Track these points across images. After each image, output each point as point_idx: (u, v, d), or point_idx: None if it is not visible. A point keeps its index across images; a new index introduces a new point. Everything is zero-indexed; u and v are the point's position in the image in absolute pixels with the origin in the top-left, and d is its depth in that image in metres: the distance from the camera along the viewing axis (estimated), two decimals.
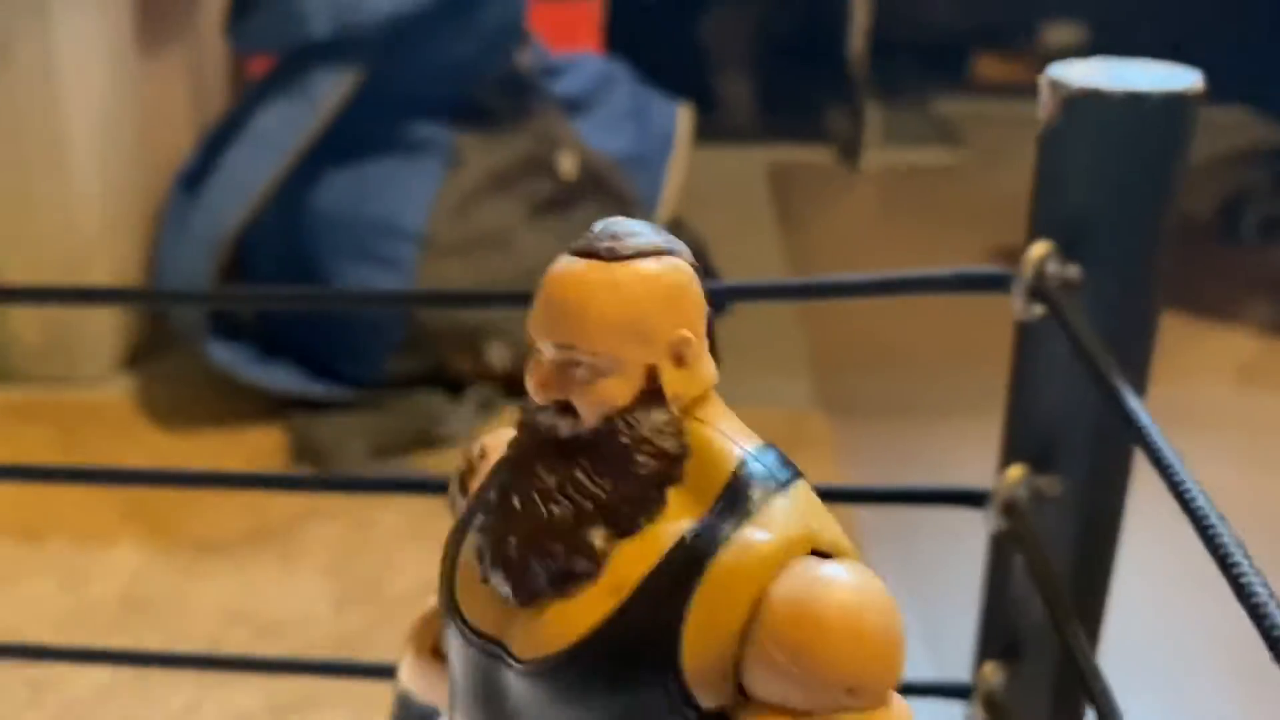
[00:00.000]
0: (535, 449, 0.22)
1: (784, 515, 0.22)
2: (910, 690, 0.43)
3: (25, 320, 1.09)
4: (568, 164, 1.08)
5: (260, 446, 0.99)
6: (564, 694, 0.21)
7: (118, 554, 0.84)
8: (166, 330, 1.17)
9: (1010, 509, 0.37)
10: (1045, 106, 0.35)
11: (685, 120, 1.25)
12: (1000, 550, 0.39)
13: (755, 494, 0.22)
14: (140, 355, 1.14)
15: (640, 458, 0.22)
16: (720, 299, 1.09)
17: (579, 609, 0.21)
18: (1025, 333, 0.37)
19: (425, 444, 0.99)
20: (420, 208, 1.01)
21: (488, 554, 0.22)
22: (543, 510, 0.21)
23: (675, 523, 0.21)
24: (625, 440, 0.22)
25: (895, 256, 1.43)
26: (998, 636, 0.39)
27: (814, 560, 0.21)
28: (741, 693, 0.21)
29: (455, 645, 0.23)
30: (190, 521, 0.88)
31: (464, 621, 0.23)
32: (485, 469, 0.25)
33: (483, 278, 1.03)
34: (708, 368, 0.23)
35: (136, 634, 0.76)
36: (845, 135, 1.77)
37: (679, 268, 0.22)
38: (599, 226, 0.23)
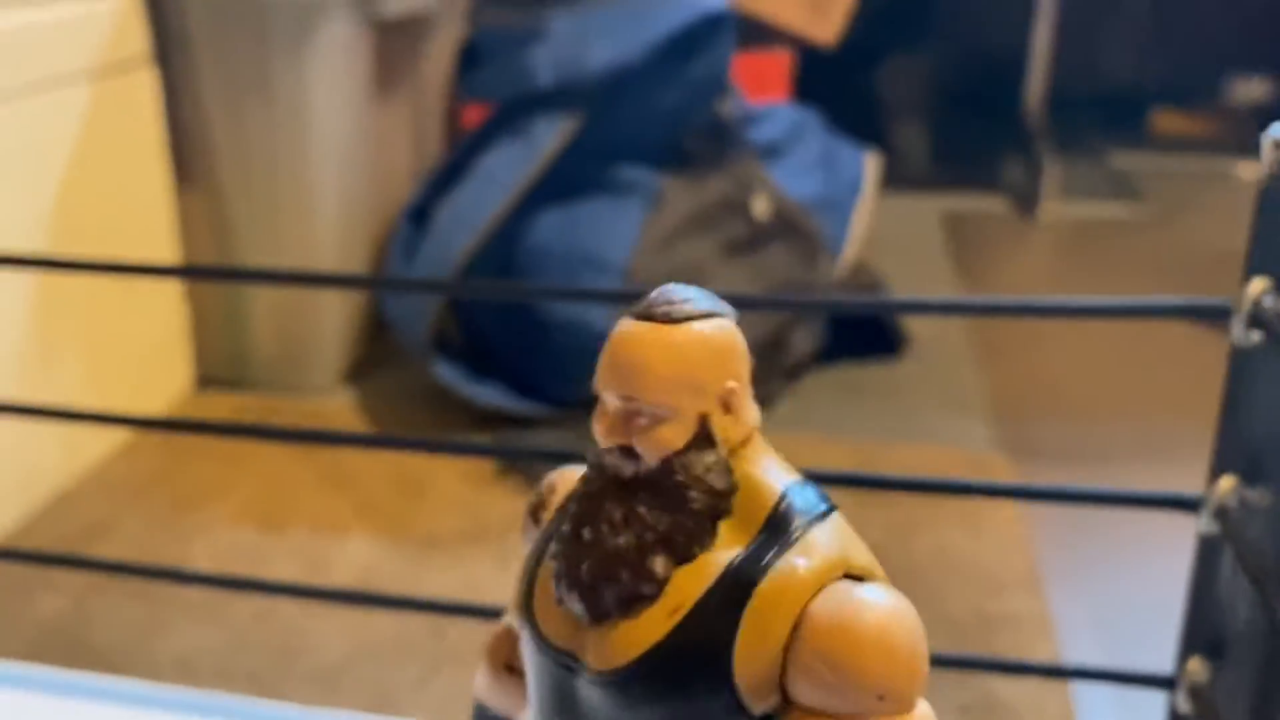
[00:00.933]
0: (603, 487, 0.26)
1: (821, 543, 0.24)
2: (1116, 678, 0.47)
3: (264, 335, 1.21)
4: (761, 206, 1.15)
5: (475, 460, 1.08)
6: (631, 701, 0.24)
7: (352, 545, 0.94)
8: (385, 348, 1.28)
9: (1221, 514, 0.41)
10: (1267, 161, 0.40)
11: (872, 167, 1.30)
12: (1208, 553, 0.43)
13: (796, 524, 0.25)
14: (362, 370, 1.26)
15: (694, 494, 0.25)
16: (896, 340, 1.12)
17: (643, 627, 0.24)
18: (1240, 358, 0.41)
19: None
20: (625, 244, 1.09)
21: (563, 579, 0.25)
22: (610, 541, 0.25)
23: (726, 551, 0.24)
24: (681, 479, 0.25)
25: None
26: (1203, 633, 0.43)
27: (848, 583, 0.24)
28: (786, 698, 0.24)
29: (533, 657, 0.26)
30: (415, 520, 0.97)
31: (541, 637, 0.26)
32: (555, 503, 0.28)
33: None
34: (752, 413, 0.27)
35: (370, 616, 0.85)
36: (1022, 186, 1.78)
37: (725, 328, 0.26)
38: (656, 293, 0.27)
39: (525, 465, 1.02)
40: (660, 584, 0.24)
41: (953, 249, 1.64)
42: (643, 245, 1.10)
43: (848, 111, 1.49)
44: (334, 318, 1.22)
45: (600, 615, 0.24)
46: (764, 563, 0.24)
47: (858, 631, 0.23)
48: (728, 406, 0.26)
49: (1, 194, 0.92)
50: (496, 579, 0.89)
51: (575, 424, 1.08)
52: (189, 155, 1.14)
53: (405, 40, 1.30)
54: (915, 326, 1.29)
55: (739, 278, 1.15)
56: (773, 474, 0.26)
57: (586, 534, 0.25)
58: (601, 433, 0.26)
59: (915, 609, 0.24)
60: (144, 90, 1.08)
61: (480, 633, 0.36)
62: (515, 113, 1.11)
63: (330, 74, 1.13)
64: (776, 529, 0.24)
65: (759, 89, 1.35)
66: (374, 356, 1.28)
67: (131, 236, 1.09)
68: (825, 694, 0.23)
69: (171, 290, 1.17)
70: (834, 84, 1.57)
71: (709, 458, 0.25)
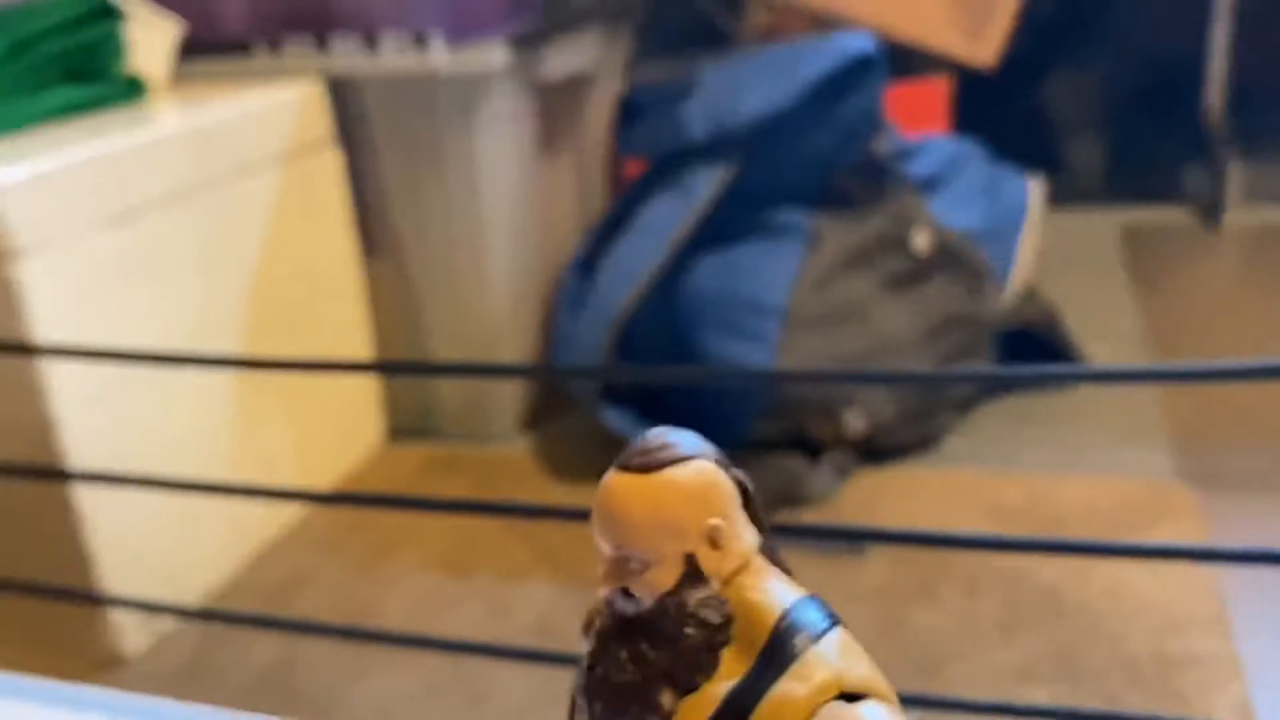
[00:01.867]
0: (611, 626, 0.28)
1: (817, 663, 0.26)
2: None
3: (448, 390, 1.29)
4: (921, 240, 1.14)
5: None
6: None
7: (532, 588, 0.99)
8: (558, 398, 1.34)
9: None
10: None
11: (1037, 193, 1.27)
12: None
13: (795, 645, 0.26)
14: (539, 418, 1.31)
15: (689, 630, 0.26)
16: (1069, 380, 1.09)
17: None
18: None
19: (787, 503, 1.07)
20: (783, 286, 1.11)
21: (584, 711, 0.28)
22: (618, 678, 0.27)
23: (727, 681, 0.26)
24: (674, 617, 0.26)
25: (1261, 321, 1.37)
26: None
27: (839, 704, 0.25)
28: None
29: None
30: (590, 566, 1.01)
31: None
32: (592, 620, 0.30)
33: (840, 349, 1.11)
34: (742, 542, 0.27)
35: (550, 664, 0.89)
36: (1204, 194, 1.70)
37: (703, 470, 0.27)
38: (636, 444, 0.28)
39: None
40: (666, 716, 0.26)
41: (1132, 264, 1.58)
42: (801, 285, 1.12)
43: (1013, 132, 1.46)
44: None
45: None
46: (759, 690, 0.25)
47: None
48: (714, 542, 0.27)
49: (210, 270, 1.02)
50: None
51: (741, 467, 1.10)
52: (373, 226, 1.23)
53: (566, 100, 1.36)
54: (1091, 348, 1.25)
55: (900, 313, 1.14)
56: (773, 595, 0.27)
57: (599, 671, 0.27)
58: (601, 578, 0.28)
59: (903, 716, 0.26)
60: (330, 169, 1.17)
61: None
62: (671, 165, 1.15)
63: (497, 141, 1.19)
64: (775, 652, 0.26)
65: (916, 119, 1.35)
66: (548, 406, 1.34)
67: (326, 303, 1.18)
68: None
69: (365, 352, 1.25)
70: (997, 105, 1.54)
71: (700, 593, 0.27)
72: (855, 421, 1.10)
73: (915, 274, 1.15)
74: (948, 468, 1.13)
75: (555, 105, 1.33)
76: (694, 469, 0.27)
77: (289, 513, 1.13)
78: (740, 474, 0.28)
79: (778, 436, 1.12)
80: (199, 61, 1.19)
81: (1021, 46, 1.57)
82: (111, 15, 1.06)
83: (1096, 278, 1.53)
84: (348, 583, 1.02)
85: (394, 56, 1.12)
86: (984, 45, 1.49)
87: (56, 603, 0.90)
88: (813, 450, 1.11)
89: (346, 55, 1.14)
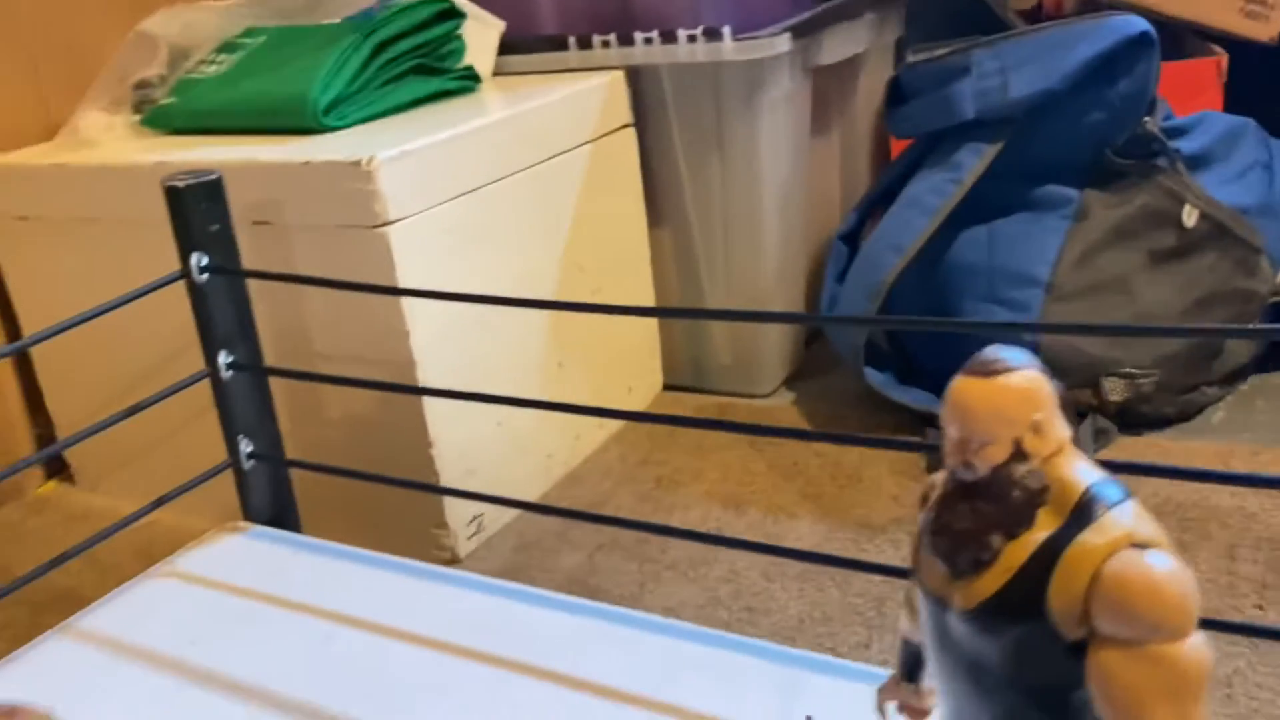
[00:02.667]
0: (955, 488, 0.37)
1: (1113, 522, 0.33)
2: None
3: (719, 348, 1.42)
4: (1190, 216, 1.17)
5: (900, 455, 1.20)
6: (985, 629, 0.35)
7: (800, 525, 1.10)
8: (821, 357, 1.44)
9: None
10: None
11: None
12: None
13: (1095, 510, 0.34)
14: (801, 377, 1.42)
15: (1015, 492, 0.35)
16: None
17: (985, 582, 0.35)
18: None
19: None
20: (1047, 259, 1.16)
21: (934, 550, 0.37)
22: (960, 525, 0.36)
23: (1042, 531, 0.34)
24: (1004, 483, 0.35)
25: None
26: None
27: (1133, 550, 0.33)
28: (1092, 630, 0.33)
29: (921, 601, 0.39)
30: (852, 507, 1.11)
31: (925, 586, 0.38)
32: (934, 495, 0.39)
33: (1102, 321, 1.15)
34: (1058, 433, 0.35)
35: (821, 588, 1.00)
36: None
37: (1027, 377, 0.35)
38: (979, 355, 0.36)
39: None
40: (995, 553, 0.35)
41: None
42: (1065, 259, 1.17)
43: None
44: (778, 332, 1.40)
45: (958, 573, 0.36)
46: (1066, 539, 0.34)
47: (1132, 583, 0.32)
48: (1037, 431, 0.35)
49: (529, 237, 1.19)
50: None
51: None
52: (660, 199, 1.37)
53: (839, 81, 1.45)
54: None
55: (1165, 288, 1.17)
56: (1081, 473, 0.35)
57: (944, 519, 0.37)
58: (947, 454, 0.37)
59: (1185, 568, 0.33)
60: (628, 148, 1.32)
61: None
62: (940, 142, 1.22)
63: (775, 123, 1.30)
64: (1081, 514, 0.34)
65: (1190, 97, 1.35)
66: (811, 364, 1.45)
67: (619, 267, 1.33)
68: (1114, 627, 0.32)
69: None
70: (1273, 83, 1.50)
71: (1024, 467, 0.35)
72: (1115, 389, 1.14)
73: (1183, 249, 1.17)
74: (1210, 439, 1.15)
75: (828, 85, 1.42)
76: (1024, 376, 0.35)
77: (589, 446, 1.29)
78: (1060, 385, 0.36)
79: None
80: (517, 57, 1.36)
81: None
82: (455, 16, 1.24)
83: None
84: (638, 508, 1.16)
85: (687, 49, 1.25)
86: (1266, 21, 1.47)
87: (399, 516, 1.09)
88: (1078, 416, 1.16)
89: (645, 49, 1.28)
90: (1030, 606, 0.33)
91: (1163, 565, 0.32)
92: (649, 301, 1.40)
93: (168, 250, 0.83)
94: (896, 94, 1.29)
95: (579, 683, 0.61)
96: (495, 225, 1.14)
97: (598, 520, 0.84)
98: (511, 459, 1.17)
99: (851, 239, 1.34)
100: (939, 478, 0.39)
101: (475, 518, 1.14)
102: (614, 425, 1.35)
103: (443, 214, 1.07)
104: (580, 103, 1.25)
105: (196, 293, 0.77)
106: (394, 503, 1.09)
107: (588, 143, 1.26)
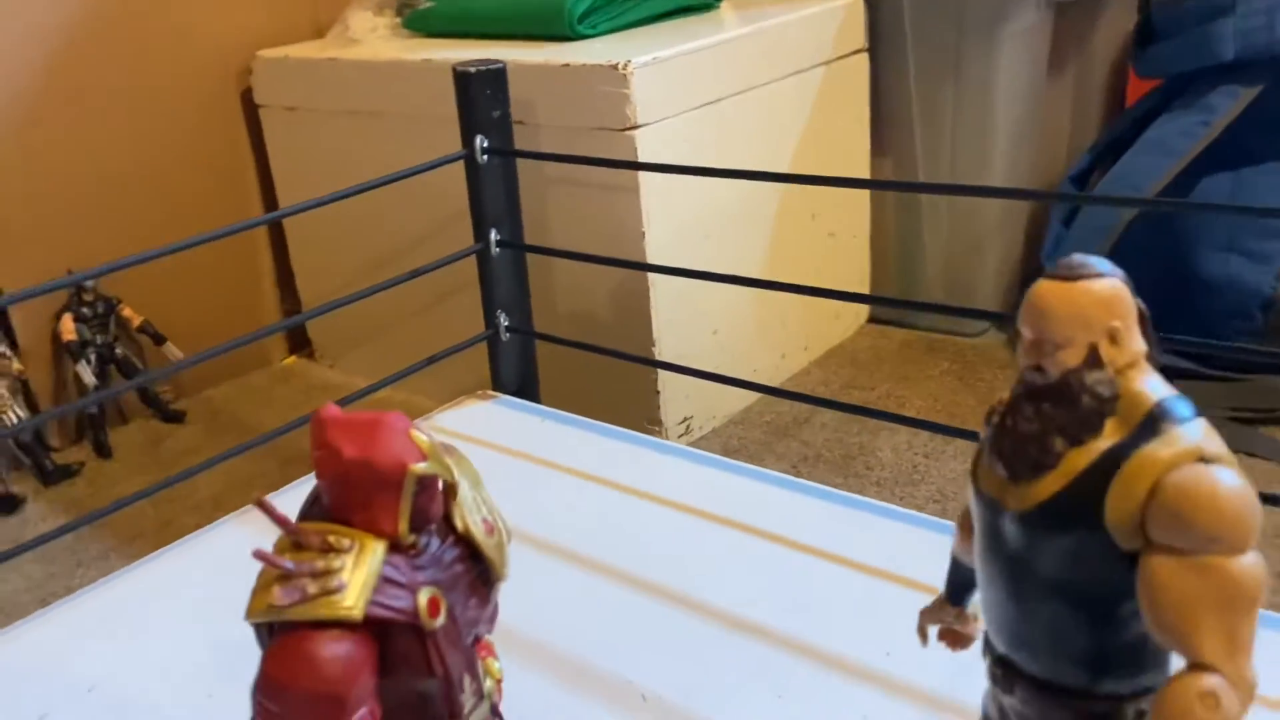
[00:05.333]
0: (1024, 392, 0.35)
1: (1180, 437, 0.32)
2: None
3: (930, 283, 1.42)
4: None
5: None
6: (1037, 533, 0.34)
7: None
8: None
9: None
10: None
11: None
12: None
13: (1164, 424, 0.32)
14: (1012, 318, 1.41)
15: (1084, 398, 0.33)
16: None
17: (1044, 485, 0.33)
18: None
19: (1271, 420, 1.10)
20: None
21: (994, 451, 0.35)
22: (1025, 428, 0.34)
23: (1107, 440, 0.32)
24: (1074, 387, 0.33)
25: None
26: None
27: (1198, 464, 0.31)
28: (1148, 540, 0.32)
29: (975, 504, 0.37)
30: None
31: (980, 489, 0.36)
32: (999, 407, 0.37)
33: None
34: (1135, 345, 0.34)
35: None
36: None
37: (1110, 284, 0.33)
38: (1064, 260, 0.34)
39: None
40: (1058, 458, 0.33)
41: None
42: None
43: None
44: (993, 270, 1.39)
45: (1017, 476, 0.34)
46: (1132, 449, 0.32)
47: (1194, 493, 0.31)
48: (1113, 339, 0.34)
49: (761, 151, 1.22)
50: None
51: (1233, 382, 1.14)
52: (885, 128, 1.37)
53: (1079, 21, 1.41)
54: None
55: None
56: (1153, 388, 0.34)
57: (1009, 422, 0.35)
58: (1021, 355, 0.35)
59: (1251, 488, 0.32)
60: (859, 74, 1.33)
61: None
62: (1190, 84, 1.18)
63: (1014, 56, 1.29)
64: (1149, 427, 0.33)
65: None
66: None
67: (839, 191, 1.35)
68: (1171, 535, 0.31)
69: (860, 244, 1.41)
70: None
71: (1097, 374, 0.33)
72: None
73: None
74: None
75: (1069, 25, 1.39)
76: (1104, 283, 0.34)
77: (794, 366, 1.32)
78: (1141, 303, 0.35)
79: (1271, 359, 1.14)
80: None
81: None
82: None
83: None
84: (842, 427, 1.19)
85: None
86: None
87: (616, 409, 1.15)
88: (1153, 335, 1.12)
89: None
90: (1087, 513, 0.33)
91: (1227, 480, 0.31)
92: (864, 230, 1.41)
93: (423, 142, 0.89)
94: (1147, 33, 1.25)
95: (801, 546, 0.65)
96: (727, 139, 1.17)
97: (834, 407, 0.87)
98: (721, 369, 1.21)
99: (1082, 181, 1.32)
100: (1006, 394, 0.38)
101: (686, 419, 1.19)
102: (819, 349, 1.37)
103: (682, 123, 1.11)
104: (818, 24, 1.26)
105: (476, 172, 0.83)
106: (613, 398, 1.15)
107: (821, 65, 1.27)
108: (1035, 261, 1.36)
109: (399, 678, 0.30)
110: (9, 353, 1.25)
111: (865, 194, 1.40)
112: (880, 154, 1.39)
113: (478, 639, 0.35)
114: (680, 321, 1.14)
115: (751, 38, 1.18)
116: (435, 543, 0.32)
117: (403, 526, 0.31)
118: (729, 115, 1.16)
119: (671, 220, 1.11)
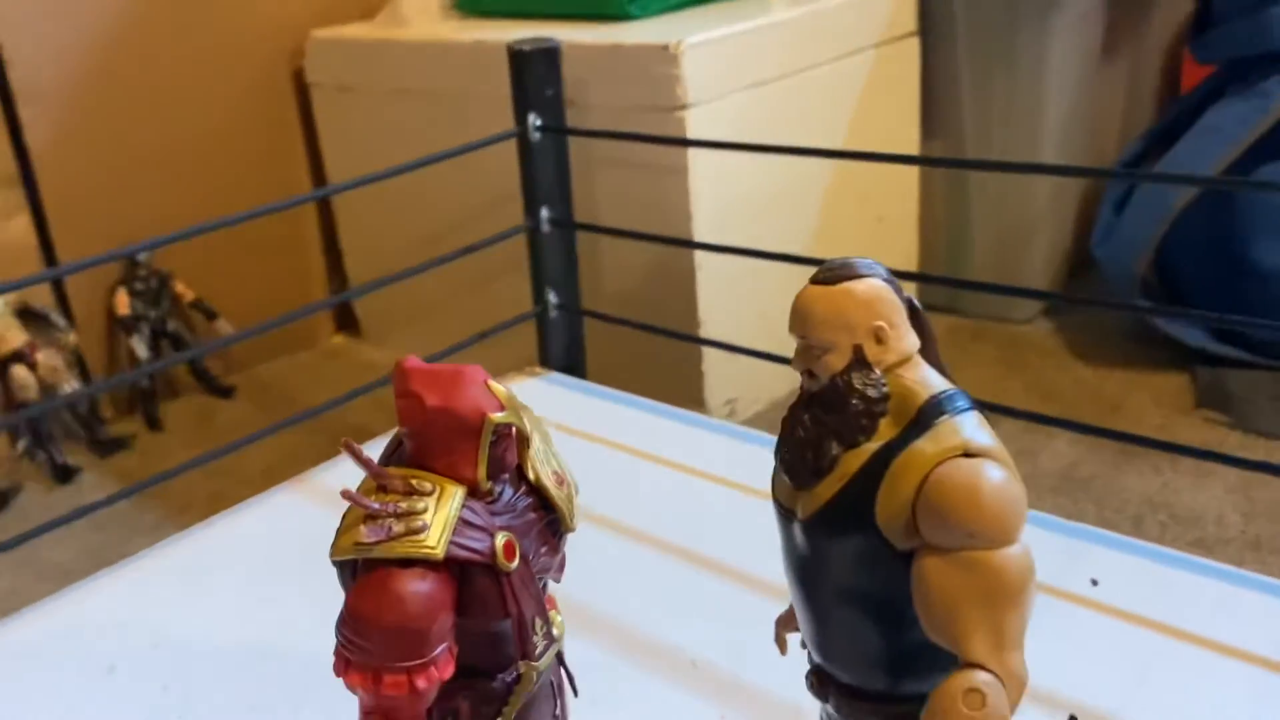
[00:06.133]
0: (800, 399, 0.35)
1: (949, 432, 0.31)
2: None
3: (979, 269, 1.41)
4: None
5: (1165, 388, 1.18)
6: (821, 539, 0.34)
7: (1057, 444, 1.10)
8: (1085, 289, 1.41)
9: None
10: None
11: None
12: None
13: (935, 420, 0.32)
14: (1061, 306, 1.40)
15: (854, 401, 0.33)
16: None
17: (823, 490, 0.33)
18: None
19: None
20: None
21: (781, 461, 0.35)
22: (801, 434, 0.34)
23: (880, 441, 0.32)
24: (842, 391, 0.33)
25: None
26: None
27: (961, 458, 0.31)
28: (922, 539, 0.32)
29: (775, 515, 0.37)
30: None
31: (775, 497, 0.36)
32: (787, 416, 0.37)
33: None
34: (903, 342, 0.33)
35: (1075, 500, 1.00)
36: None
37: (871, 284, 0.33)
38: (826, 264, 0.35)
39: (1221, 400, 1.10)
40: (834, 462, 0.33)
41: None
42: None
43: None
44: (1041, 257, 1.38)
45: (800, 483, 0.34)
46: (902, 447, 0.32)
47: (951, 487, 0.31)
48: (879, 338, 0.34)
49: (809, 132, 1.21)
50: (1193, 487, 1.00)
51: (1269, 368, 1.12)
52: (935, 111, 1.36)
53: (1133, 5, 1.39)
54: None
55: None
56: (925, 383, 0.33)
57: (789, 430, 0.35)
58: (794, 362, 0.36)
59: (1017, 479, 0.32)
60: (910, 58, 1.32)
61: None
62: (1247, 70, 1.17)
63: (1067, 43, 1.27)
64: (919, 424, 0.32)
65: None
66: (1074, 292, 1.42)
67: (888, 174, 1.34)
68: (934, 533, 0.31)
69: (909, 229, 1.40)
70: None
71: (864, 375, 0.33)
72: None
73: None
74: None
75: (1122, 12, 1.37)
76: (865, 284, 0.34)
77: None
78: (911, 296, 0.35)
79: None
80: None
81: None
82: None
83: None
84: None
85: None
86: None
87: (661, 388, 1.15)
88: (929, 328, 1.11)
89: None
90: (861, 515, 0.32)
91: (989, 473, 0.31)
92: (913, 215, 1.41)
93: (472, 122, 0.89)
94: (1205, 17, 1.23)
95: None
96: (776, 121, 1.17)
97: None
98: (764, 347, 1.21)
99: (1136, 166, 1.30)
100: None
101: (729, 401, 1.19)
102: None
103: (731, 104, 1.11)
104: (869, 7, 1.25)
105: (529, 150, 0.84)
106: (658, 377, 1.15)
107: (871, 47, 1.26)
108: (1084, 251, 1.35)
109: (475, 617, 0.31)
110: (65, 325, 1.28)
111: (914, 179, 1.39)
112: (929, 138, 1.38)
113: (545, 587, 0.35)
114: (726, 303, 1.15)
115: (802, 20, 1.18)
116: (509, 491, 0.33)
117: (481, 473, 0.32)
118: (778, 97, 1.16)
119: (719, 202, 1.11)
